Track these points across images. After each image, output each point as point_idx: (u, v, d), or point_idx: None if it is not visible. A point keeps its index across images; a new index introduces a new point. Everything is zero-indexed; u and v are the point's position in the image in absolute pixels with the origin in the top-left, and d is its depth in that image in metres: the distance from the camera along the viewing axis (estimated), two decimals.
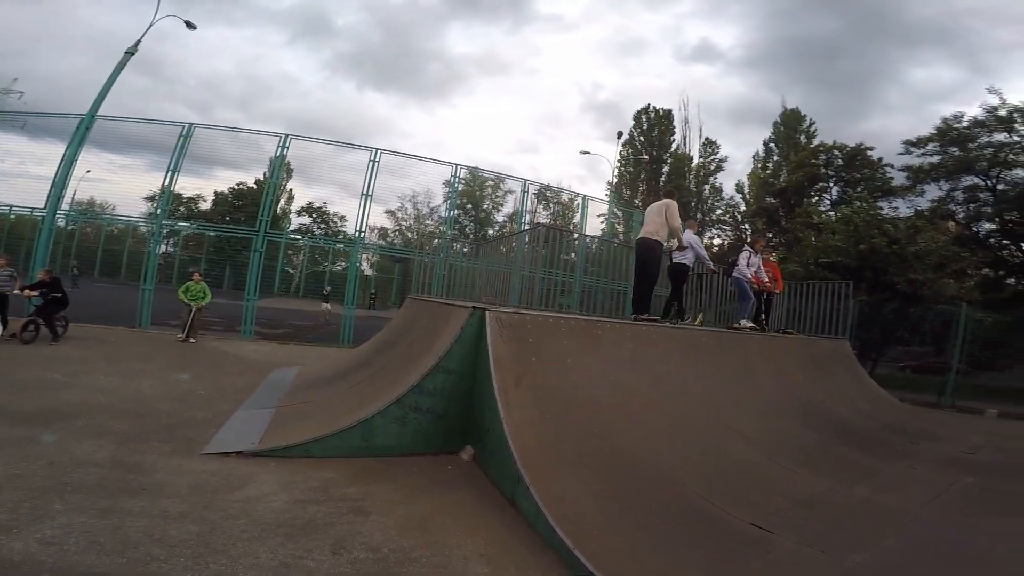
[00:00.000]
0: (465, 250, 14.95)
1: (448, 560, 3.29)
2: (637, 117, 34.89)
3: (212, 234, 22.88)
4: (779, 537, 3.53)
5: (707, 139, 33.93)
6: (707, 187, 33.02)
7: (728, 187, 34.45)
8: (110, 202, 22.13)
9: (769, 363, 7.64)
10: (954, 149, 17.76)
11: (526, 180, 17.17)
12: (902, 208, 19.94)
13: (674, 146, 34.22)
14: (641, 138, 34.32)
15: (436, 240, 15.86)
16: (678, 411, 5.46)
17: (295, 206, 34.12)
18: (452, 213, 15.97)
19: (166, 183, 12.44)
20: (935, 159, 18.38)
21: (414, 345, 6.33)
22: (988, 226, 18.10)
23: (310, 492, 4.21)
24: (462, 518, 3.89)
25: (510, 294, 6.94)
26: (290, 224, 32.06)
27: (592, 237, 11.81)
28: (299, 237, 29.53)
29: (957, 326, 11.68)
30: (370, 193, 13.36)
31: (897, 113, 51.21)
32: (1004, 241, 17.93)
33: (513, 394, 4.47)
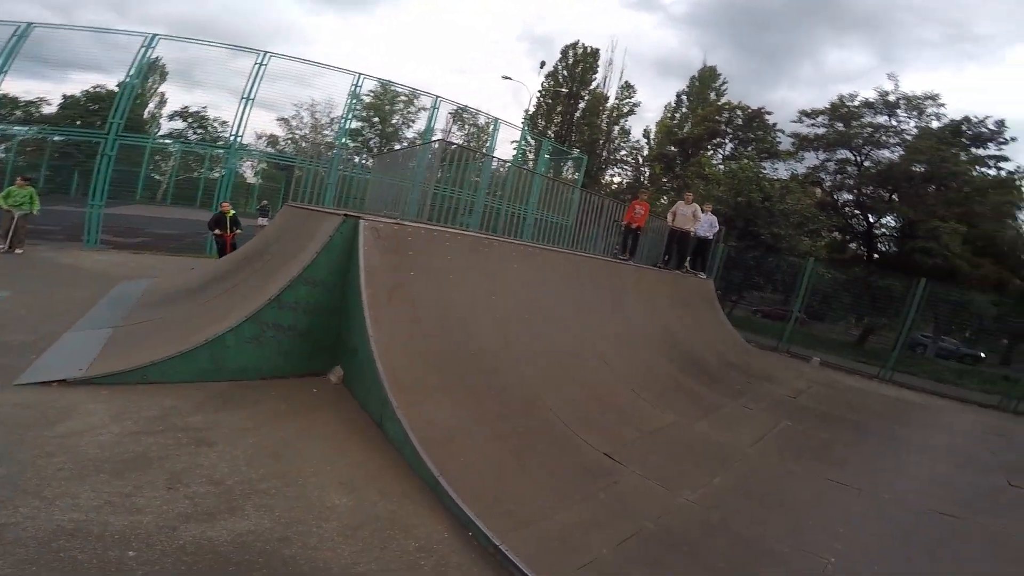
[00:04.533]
0: (364, 162, 13.92)
1: (303, 490, 3.08)
2: (565, 51, 35.19)
3: (57, 139, 20.88)
4: (626, 469, 3.81)
5: (626, 82, 35.15)
6: (617, 128, 34.40)
7: (637, 131, 36.55)
8: None
9: (640, 295, 7.99)
10: (839, 124, 19.79)
11: (438, 96, 16.15)
12: (781, 171, 22.52)
13: (594, 84, 35.10)
14: (565, 72, 34.78)
15: (332, 151, 14.52)
16: (552, 335, 5.55)
17: (167, 110, 29.96)
18: (348, 123, 14.46)
19: None
20: (821, 131, 20.49)
21: (278, 256, 5.72)
22: (847, 196, 20.72)
23: (145, 423, 3.68)
24: (324, 444, 3.67)
25: (408, 207, 6.42)
26: (159, 128, 28.49)
27: (502, 161, 11.49)
28: (168, 142, 25.77)
29: (802, 277, 13.46)
30: (251, 97, 12.34)
31: (803, 87, 55.07)
32: (855, 211, 20.60)
33: (385, 310, 4.17)
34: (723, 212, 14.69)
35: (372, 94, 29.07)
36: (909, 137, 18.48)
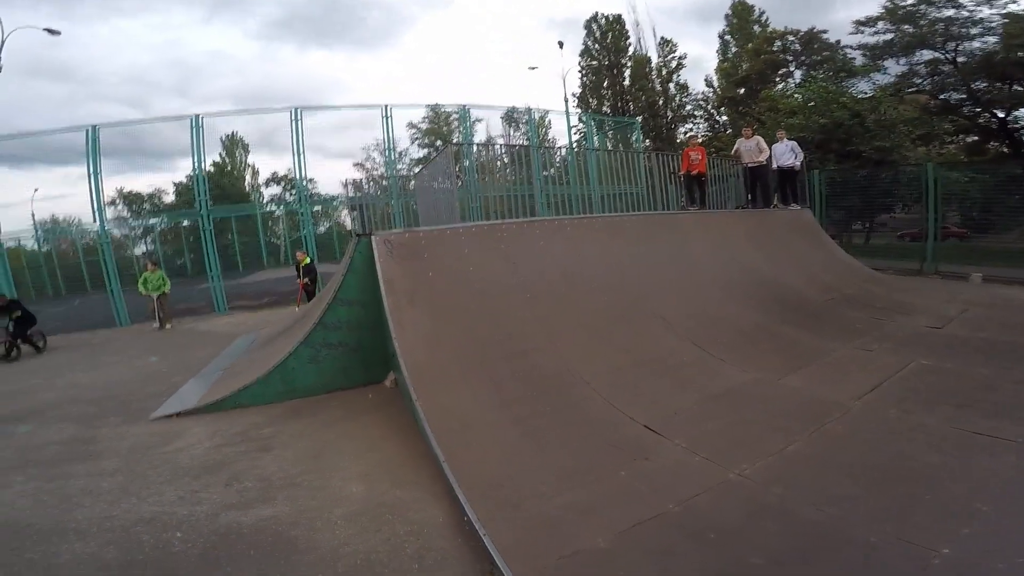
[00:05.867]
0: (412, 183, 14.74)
1: (328, 481, 3.43)
2: (588, 26, 34.25)
3: (186, 224, 23.42)
4: (669, 442, 3.32)
5: (663, 39, 33.39)
6: (671, 85, 32.59)
7: (698, 83, 34.51)
8: (73, 215, 22.82)
9: (709, 241, 7.14)
10: (906, 27, 17.40)
11: (465, 105, 16.70)
12: (864, 88, 19.50)
13: (631, 50, 33.69)
14: (596, 46, 33.82)
15: (385, 180, 15.66)
16: (593, 305, 5.23)
17: (261, 179, 34.30)
18: (393, 152, 15.41)
19: (91, 187, 12.09)
20: (888, 36, 18.14)
21: (329, 287, 6.29)
22: (957, 95, 17.64)
23: (231, 437, 4.43)
24: (360, 443, 4.01)
25: (457, 215, 6.68)
26: (262, 197, 32.64)
27: (553, 149, 11.47)
28: (267, 207, 29.17)
29: (926, 187, 11.11)
30: (300, 151, 13.40)
31: (856, 5, 46.02)
32: (976, 109, 17.45)
33: (408, 312, 4.37)
34: (810, 139, 13.06)
35: (426, 120, 30.72)
36: (994, 25, 15.58)
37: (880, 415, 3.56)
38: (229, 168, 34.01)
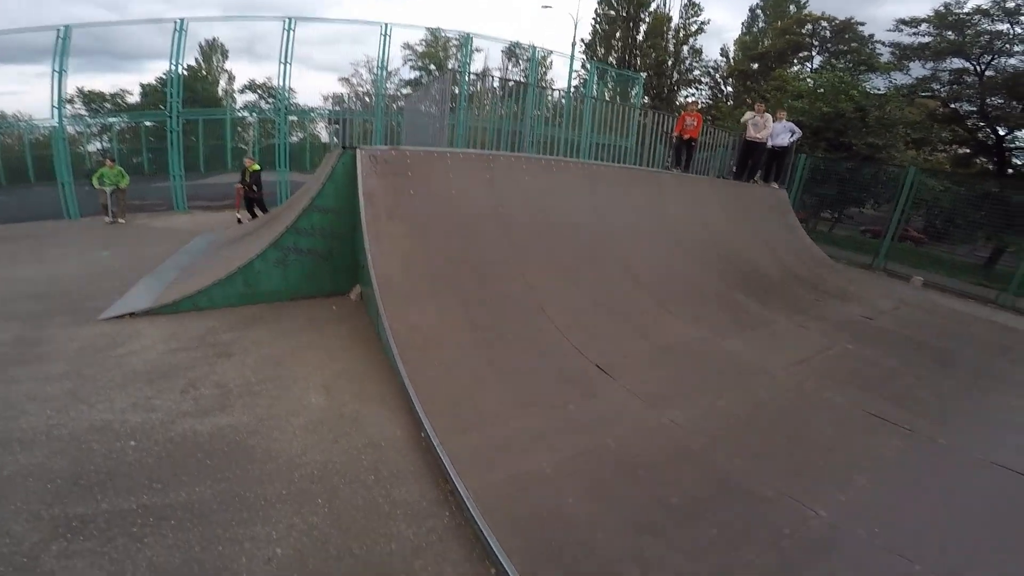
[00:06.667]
0: (401, 104, 14.13)
1: (287, 391, 3.40)
2: None
3: (148, 124, 22.96)
4: (615, 383, 3.53)
5: (689, 0, 31.78)
6: (686, 48, 31.59)
7: (713, 51, 34.41)
8: (24, 112, 21.79)
9: (685, 204, 7.31)
10: (949, 33, 17.03)
11: (468, 33, 15.61)
12: (881, 85, 19.35)
13: (654, 6, 32.06)
14: None
15: (369, 98, 14.93)
16: (568, 245, 5.31)
17: (238, 85, 32.77)
18: (384, 72, 14.44)
19: (54, 85, 11.11)
20: (926, 39, 17.76)
21: (304, 193, 6.09)
22: (968, 107, 17.65)
23: (188, 341, 4.25)
24: (323, 353, 3.98)
25: (444, 140, 6.49)
26: (235, 103, 31.47)
27: (553, 89, 11.12)
28: (239, 114, 28.16)
29: (901, 188, 11.50)
30: (288, 61, 12.63)
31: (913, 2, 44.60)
32: (980, 123, 17.62)
33: (385, 225, 4.32)
34: (807, 124, 13.11)
35: (424, 43, 29.11)
36: None
37: (799, 386, 3.95)
38: (204, 73, 32.32)
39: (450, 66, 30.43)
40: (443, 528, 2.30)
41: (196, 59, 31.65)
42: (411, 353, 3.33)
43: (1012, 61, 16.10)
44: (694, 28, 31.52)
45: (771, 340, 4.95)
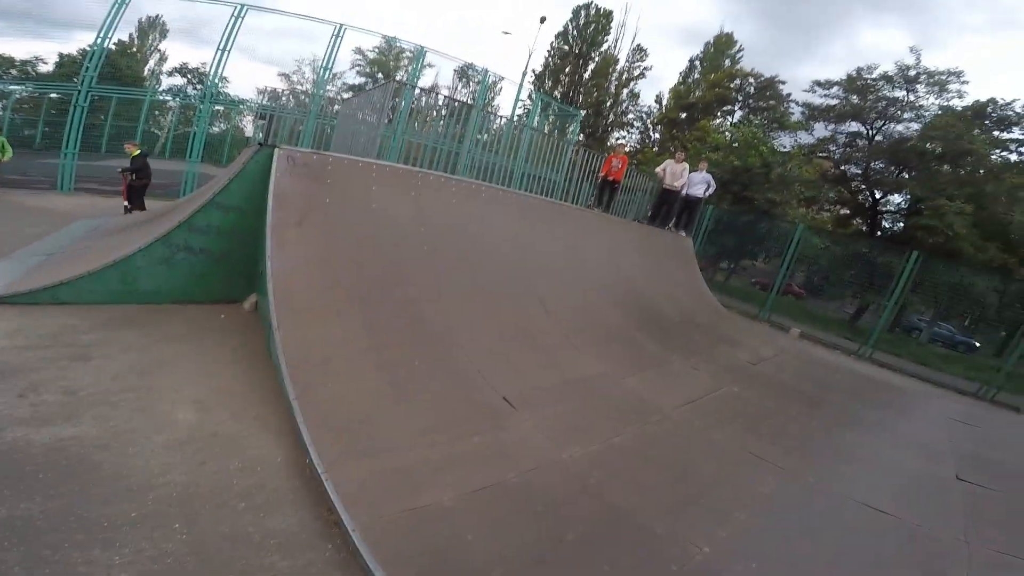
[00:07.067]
0: (337, 108, 13.79)
1: (152, 404, 3.01)
2: (577, 11, 34.15)
3: (54, 96, 21.36)
4: (520, 416, 3.53)
5: (638, 46, 34.27)
6: (626, 91, 33.94)
7: (649, 97, 37.05)
8: None
9: (602, 244, 7.61)
10: (854, 96, 19.16)
11: (423, 47, 15.70)
12: (788, 144, 21.79)
13: (604, 47, 34.25)
14: (575, 32, 33.90)
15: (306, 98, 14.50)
16: (488, 272, 5.29)
17: (168, 66, 31.23)
18: (327, 75, 14.01)
19: None
20: (834, 102, 19.84)
21: (208, 188, 5.60)
22: (854, 170, 20.01)
23: (37, 339, 3.65)
24: (201, 365, 3.60)
25: (375, 152, 6.26)
26: (159, 84, 30.04)
27: (498, 116, 11.33)
28: (159, 96, 26.26)
29: (789, 244, 13.00)
30: (227, 48, 12.13)
31: (834, 65, 51.87)
32: (862, 186, 19.97)
33: (292, 233, 4.03)
34: (719, 176, 14.43)
35: (377, 50, 28.87)
36: (927, 114, 17.76)
37: (687, 425, 4.24)
38: (134, 50, 30.33)
39: (398, 77, 30.38)
40: (324, 561, 2.13)
41: (131, 34, 29.95)
42: (303, 372, 3.10)
43: (899, 127, 18.43)
44: (636, 72, 33.71)
45: (666, 379, 5.28)
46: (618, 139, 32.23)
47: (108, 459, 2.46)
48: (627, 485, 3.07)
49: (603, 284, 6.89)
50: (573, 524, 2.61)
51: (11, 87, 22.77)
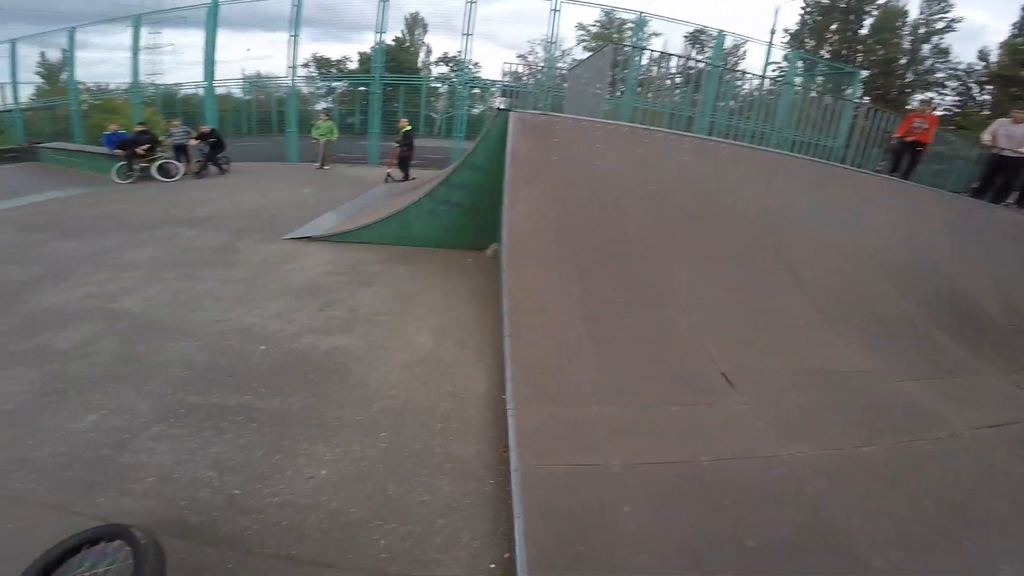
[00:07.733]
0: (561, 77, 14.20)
1: (402, 325, 3.69)
2: None
3: (362, 89, 26.43)
4: (737, 396, 2.98)
5: None
6: (927, 47, 26.04)
7: (966, 54, 27.70)
8: (275, 73, 26.81)
9: (891, 214, 5.85)
10: None
11: (642, 13, 14.93)
12: None
13: None
14: None
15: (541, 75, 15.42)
16: (723, 235, 4.63)
17: (434, 57, 36.27)
18: (554, 50, 14.48)
19: (289, 49, 13.74)
20: None
21: (463, 153, 6.63)
22: None
23: (342, 267, 4.94)
24: (447, 299, 4.23)
25: (599, 114, 6.40)
26: (430, 74, 35.12)
27: (744, 73, 9.97)
28: (431, 83, 30.62)
29: None
30: (469, 32, 13.72)
31: None
32: None
33: (524, 189, 4.34)
34: None
35: (598, 24, 28.38)
36: None
37: (984, 451, 2.90)
38: (407, 44, 36.11)
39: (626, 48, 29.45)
40: (481, 494, 2.17)
41: (401, 31, 35.11)
42: (519, 314, 3.27)
43: None
44: (940, 26, 25.97)
45: (966, 392, 3.71)
46: (923, 100, 24.97)
47: (359, 369, 3.04)
48: (859, 503, 2.28)
49: (890, 264, 5.26)
50: (762, 531, 2.05)
51: (334, 83, 29.01)
